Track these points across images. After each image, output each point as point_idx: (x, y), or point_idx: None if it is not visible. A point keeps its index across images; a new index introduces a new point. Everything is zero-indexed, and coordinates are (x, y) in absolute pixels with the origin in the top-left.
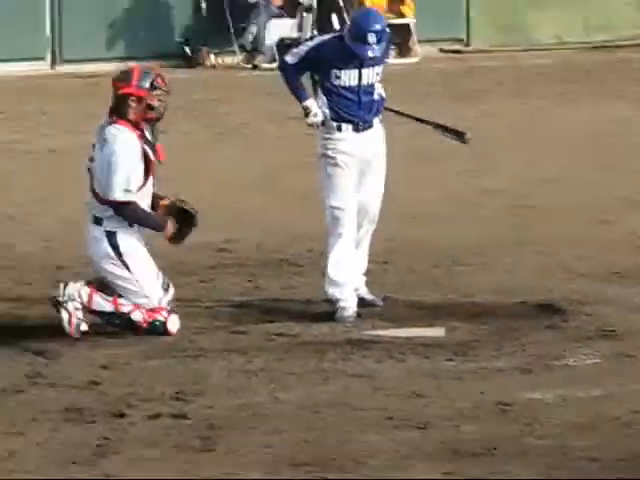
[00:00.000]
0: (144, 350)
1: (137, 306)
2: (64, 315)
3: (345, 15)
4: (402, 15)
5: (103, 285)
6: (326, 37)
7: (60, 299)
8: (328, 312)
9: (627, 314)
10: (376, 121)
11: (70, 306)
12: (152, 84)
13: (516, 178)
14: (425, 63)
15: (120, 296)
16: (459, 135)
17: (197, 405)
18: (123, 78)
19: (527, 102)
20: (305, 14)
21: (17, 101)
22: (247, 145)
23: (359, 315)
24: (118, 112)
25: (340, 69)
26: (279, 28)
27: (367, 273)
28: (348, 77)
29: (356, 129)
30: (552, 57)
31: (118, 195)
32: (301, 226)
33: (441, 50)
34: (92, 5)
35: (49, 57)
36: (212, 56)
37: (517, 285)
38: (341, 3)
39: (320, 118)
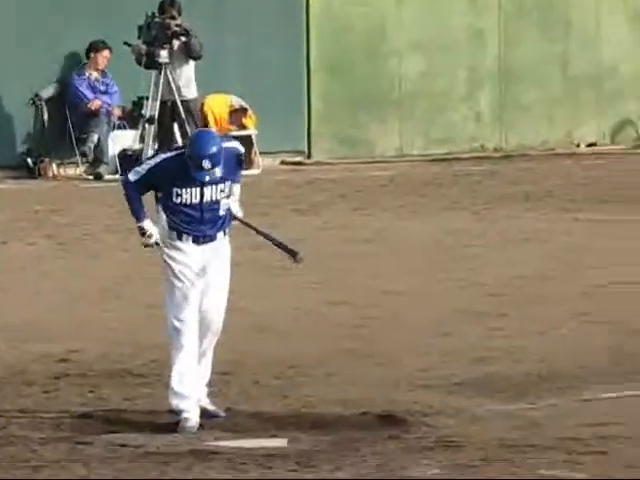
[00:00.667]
0: None
1: None
2: None
3: (187, 127)
4: (244, 127)
5: None
6: (168, 154)
7: None
8: (171, 423)
9: (467, 425)
10: (220, 235)
11: None
12: None
13: (359, 290)
14: (267, 175)
15: None
16: (292, 253)
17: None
18: None
19: (369, 214)
20: (147, 125)
21: None
22: (89, 256)
23: (202, 426)
24: None
25: (181, 187)
26: (121, 139)
27: (210, 384)
28: (190, 195)
29: (196, 241)
30: (393, 169)
31: None
32: (145, 337)
33: (282, 162)
34: None
35: None
36: (54, 167)
37: (359, 396)
38: (183, 115)
39: (154, 240)
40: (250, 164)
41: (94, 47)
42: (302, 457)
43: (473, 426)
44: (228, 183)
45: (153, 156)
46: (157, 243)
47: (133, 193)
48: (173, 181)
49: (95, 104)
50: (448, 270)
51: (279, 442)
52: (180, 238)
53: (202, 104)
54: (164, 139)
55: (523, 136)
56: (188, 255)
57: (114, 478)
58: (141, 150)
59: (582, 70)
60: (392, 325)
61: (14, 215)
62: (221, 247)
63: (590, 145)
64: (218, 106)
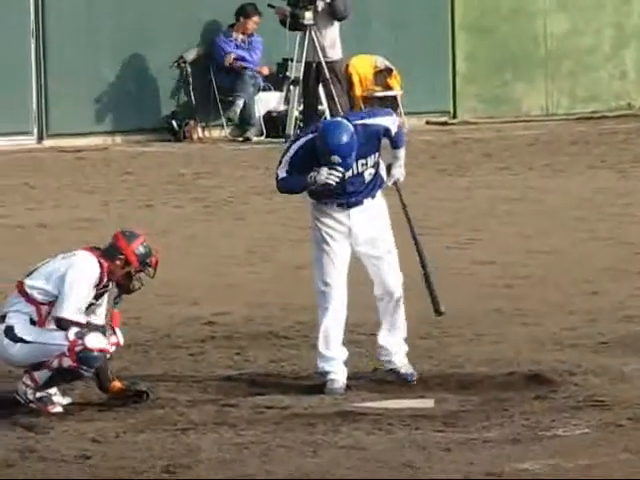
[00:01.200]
0: (134, 423)
1: (59, 356)
2: (38, 407)
3: (332, 88)
4: (389, 87)
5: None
6: (301, 141)
7: (24, 402)
8: (318, 384)
9: (615, 384)
10: (368, 200)
11: (32, 398)
12: (145, 259)
13: (507, 249)
14: (412, 135)
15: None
16: (435, 305)
17: (188, 478)
18: (128, 236)
19: (515, 174)
20: (292, 87)
21: (3, 176)
22: (236, 218)
23: (349, 387)
24: (104, 255)
25: (321, 166)
26: (266, 101)
27: (359, 344)
28: None
29: (341, 206)
30: (539, 128)
31: (68, 314)
32: (290, 299)
33: (428, 122)
34: (78, 80)
35: (35, 131)
36: (199, 129)
37: (506, 356)
38: (328, 76)
39: (335, 172)
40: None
41: (244, 12)
42: (449, 417)
43: (621, 385)
44: (373, 156)
45: (288, 147)
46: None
47: (288, 184)
48: (312, 164)
49: (229, 58)
50: (595, 229)
51: (426, 403)
52: (325, 204)
53: (347, 65)
54: (309, 101)
55: None
56: (333, 218)
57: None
58: (286, 112)
59: None
60: (539, 284)
61: (160, 178)
62: (371, 209)
63: None
64: (363, 67)
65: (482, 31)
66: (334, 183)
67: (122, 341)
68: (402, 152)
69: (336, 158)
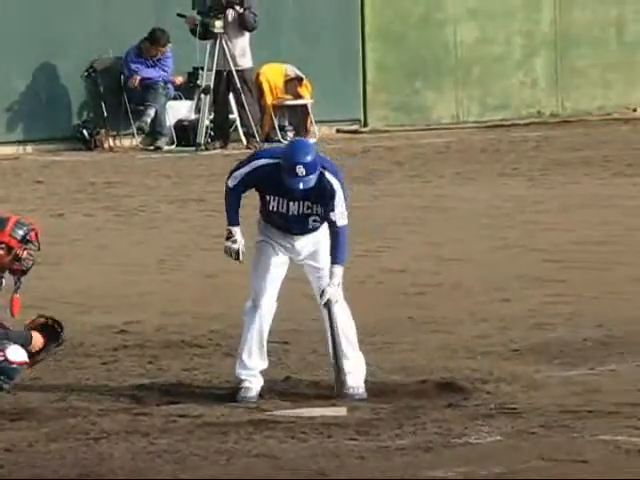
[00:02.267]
0: (47, 432)
1: None
2: None
3: (243, 97)
4: (299, 96)
5: None
6: (263, 161)
7: None
8: (230, 393)
9: (527, 391)
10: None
11: None
12: (24, 237)
13: (417, 257)
14: (323, 143)
15: None
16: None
17: None
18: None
19: (426, 182)
20: (203, 95)
21: None
22: (147, 227)
23: (261, 395)
24: None
25: (270, 194)
26: (177, 110)
27: (269, 353)
28: (277, 203)
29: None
30: (449, 136)
31: None
32: (203, 307)
33: (338, 130)
34: None
35: None
36: (110, 139)
37: (418, 364)
38: (238, 85)
39: (237, 247)
40: (306, 133)
41: (153, 38)
42: (362, 425)
43: (533, 392)
44: (317, 207)
45: (250, 159)
46: (238, 256)
47: (231, 198)
48: (265, 187)
49: (134, 81)
50: (506, 236)
51: (339, 411)
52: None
53: (257, 74)
54: (220, 109)
55: (579, 101)
56: (277, 233)
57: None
58: (197, 120)
59: (638, 34)
60: (451, 292)
61: (71, 187)
62: (314, 234)
63: None
64: (273, 75)
65: (392, 39)
66: (231, 251)
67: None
68: (340, 270)
69: (301, 169)
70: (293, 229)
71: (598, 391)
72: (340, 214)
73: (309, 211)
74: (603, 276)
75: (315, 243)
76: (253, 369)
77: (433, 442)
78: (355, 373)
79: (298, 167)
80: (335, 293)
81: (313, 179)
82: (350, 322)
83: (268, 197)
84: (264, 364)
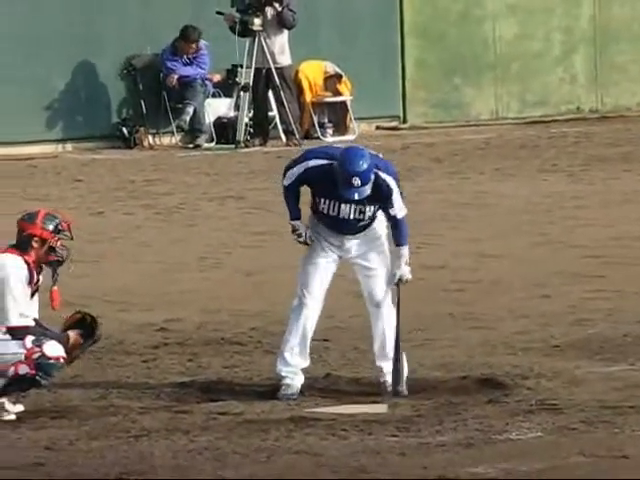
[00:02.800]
0: (88, 431)
1: (15, 363)
2: None
3: (282, 93)
4: (339, 93)
5: None
6: (315, 162)
7: None
8: (271, 390)
9: (568, 387)
10: (367, 231)
11: None
12: (56, 227)
13: (458, 254)
14: (362, 140)
15: None
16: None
17: None
18: (28, 219)
19: (465, 178)
20: (242, 93)
21: None
22: (187, 225)
23: (302, 392)
24: (19, 249)
25: (321, 197)
26: (216, 107)
27: (310, 351)
28: (327, 206)
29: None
30: (489, 133)
31: (14, 321)
32: (243, 305)
33: (378, 127)
34: (28, 87)
35: None
36: (150, 136)
37: (459, 360)
38: (277, 82)
39: (303, 238)
40: (345, 130)
41: (185, 36)
42: (402, 422)
43: (573, 388)
44: (371, 208)
45: (301, 159)
46: (307, 242)
47: (288, 194)
48: (316, 188)
49: (172, 80)
50: (546, 232)
51: (379, 407)
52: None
53: (297, 71)
54: (259, 107)
55: (619, 97)
56: (327, 235)
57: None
58: (236, 118)
59: None
60: (491, 288)
61: (111, 185)
62: (366, 233)
63: None
64: (312, 73)
65: (431, 36)
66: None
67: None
68: (406, 250)
69: (357, 181)
70: (344, 229)
71: (639, 387)
72: (399, 209)
73: (361, 215)
74: None
75: (367, 242)
76: (295, 367)
77: (474, 438)
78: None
79: (354, 179)
80: (406, 272)
81: (368, 189)
82: (394, 320)
83: (319, 198)
84: (306, 362)
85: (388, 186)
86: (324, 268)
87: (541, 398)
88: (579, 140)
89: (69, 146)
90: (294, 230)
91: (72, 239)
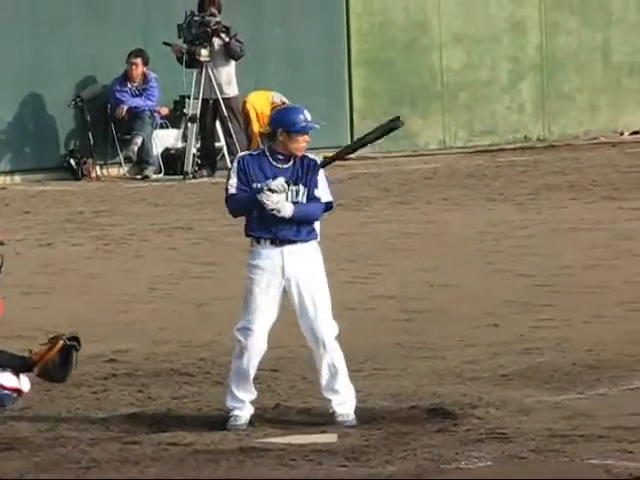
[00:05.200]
0: (37, 462)
1: None
2: None
3: (229, 125)
4: None
5: None
6: (244, 153)
7: None
8: (220, 421)
9: (517, 416)
10: (305, 243)
11: None
12: None
13: (406, 283)
14: None
15: None
16: (393, 125)
17: None
18: None
19: (413, 208)
20: (189, 124)
21: None
22: (136, 256)
23: (251, 423)
24: None
25: (257, 182)
26: (164, 138)
27: (260, 380)
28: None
29: (274, 243)
30: (436, 162)
31: None
32: (192, 335)
33: (325, 158)
34: None
35: None
36: (97, 168)
37: (408, 390)
38: (225, 113)
39: (283, 186)
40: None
41: (128, 58)
42: (352, 452)
43: (522, 417)
44: (301, 188)
45: (232, 163)
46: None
47: (235, 201)
48: (251, 176)
49: (121, 111)
50: (494, 261)
51: (329, 437)
52: (258, 242)
53: (244, 101)
54: (207, 137)
55: (566, 125)
56: (266, 258)
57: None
58: (184, 149)
59: (624, 58)
60: (440, 318)
61: (59, 217)
62: (305, 252)
63: (634, 133)
64: (260, 103)
65: (378, 66)
66: (275, 197)
67: (26, 389)
68: (289, 209)
69: (307, 114)
70: (281, 227)
71: (588, 415)
72: (324, 192)
73: (296, 198)
74: (592, 300)
75: (306, 265)
76: (242, 400)
77: (423, 468)
78: (347, 403)
79: (305, 112)
80: (269, 200)
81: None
82: (340, 356)
83: (256, 185)
84: (253, 395)
85: (315, 162)
86: (267, 300)
87: (490, 427)
88: (527, 169)
89: (17, 178)
90: (269, 196)
91: (3, 244)
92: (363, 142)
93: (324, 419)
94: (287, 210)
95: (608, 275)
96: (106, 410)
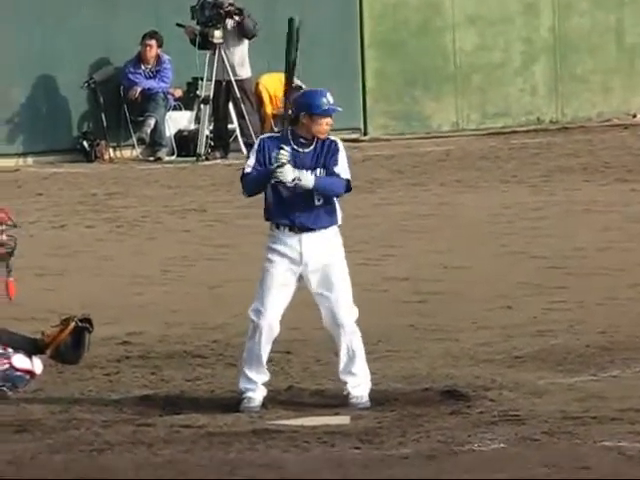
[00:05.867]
0: (50, 444)
1: None
2: None
3: (242, 106)
4: None
5: None
6: (266, 135)
7: None
8: (233, 403)
9: (530, 398)
10: (321, 230)
11: None
12: None
13: (420, 265)
14: None
15: None
16: (290, 24)
17: None
18: None
19: (427, 190)
20: (202, 106)
21: None
22: (149, 238)
23: (264, 405)
24: None
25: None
26: (177, 120)
27: (274, 362)
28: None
29: (293, 230)
30: (449, 144)
31: None
32: (205, 318)
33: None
34: None
35: None
36: (110, 150)
37: (422, 372)
38: (238, 95)
39: (286, 156)
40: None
41: (142, 40)
42: (365, 434)
43: (535, 399)
44: (320, 170)
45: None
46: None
47: (250, 179)
48: (270, 158)
49: (134, 93)
50: (507, 243)
51: (342, 419)
52: (277, 227)
53: (257, 83)
54: (220, 119)
55: (579, 108)
56: (285, 244)
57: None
58: (197, 131)
59: (637, 39)
60: (453, 300)
61: (72, 199)
62: (324, 239)
63: None
64: (273, 85)
65: (391, 47)
66: (285, 160)
67: (39, 371)
68: (310, 179)
69: (330, 97)
70: (299, 214)
71: (601, 397)
72: (344, 169)
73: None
74: (605, 282)
75: (325, 253)
76: (255, 382)
77: (437, 450)
78: (362, 386)
79: (328, 95)
80: (285, 174)
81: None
82: (359, 339)
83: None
84: (266, 377)
85: (336, 144)
86: (281, 283)
87: (503, 409)
88: (540, 151)
89: (30, 160)
90: (277, 168)
91: (16, 227)
92: (288, 60)
93: (337, 401)
94: (309, 180)
95: (621, 257)
96: (119, 392)
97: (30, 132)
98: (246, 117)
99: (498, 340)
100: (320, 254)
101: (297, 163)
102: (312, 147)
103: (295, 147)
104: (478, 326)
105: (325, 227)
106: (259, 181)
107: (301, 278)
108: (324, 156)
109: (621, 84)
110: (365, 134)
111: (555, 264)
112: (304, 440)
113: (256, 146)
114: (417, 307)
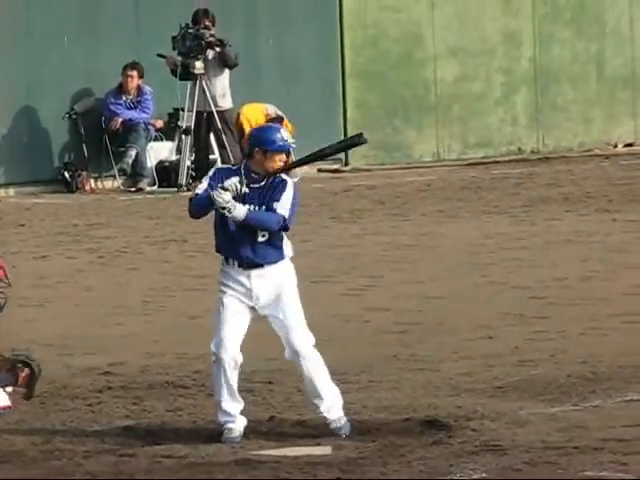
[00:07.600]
0: (32, 475)
1: None
2: None
3: (223, 137)
4: None
5: None
6: (222, 166)
7: None
8: (215, 433)
9: (512, 428)
10: (273, 266)
11: None
12: None
13: (401, 295)
14: (304, 183)
15: None
16: (357, 140)
17: None
18: None
19: (408, 220)
20: (184, 136)
21: None
22: (130, 268)
23: (246, 435)
24: None
25: None
26: (158, 151)
27: (254, 393)
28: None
29: (241, 266)
30: (430, 174)
31: None
32: (186, 348)
33: (320, 170)
34: None
35: None
36: (92, 180)
37: (403, 402)
38: (219, 125)
39: (235, 186)
40: (288, 172)
41: (123, 70)
42: (346, 464)
43: (517, 429)
44: (263, 208)
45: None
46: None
47: (197, 201)
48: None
49: (115, 123)
50: (489, 274)
51: (323, 450)
52: (227, 261)
53: (238, 114)
54: (201, 150)
55: (560, 138)
56: (235, 280)
57: None
58: (178, 161)
59: (617, 70)
60: (434, 330)
61: (53, 229)
62: (273, 274)
63: (627, 145)
64: (254, 115)
65: (372, 78)
66: (228, 186)
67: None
68: (242, 211)
69: (285, 132)
70: (242, 245)
71: (583, 427)
72: (283, 206)
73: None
74: (586, 312)
75: (275, 287)
76: (233, 413)
77: None
78: (335, 407)
79: (282, 130)
80: (221, 197)
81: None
82: (319, 363)
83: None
84: (241, 405)
85: (285, 181)
86: (234, 317)
87: (485, 439)
88: (521, 181)
89: (11, 191)
90: (219, 196)
91: (10, 286)
92: (323, 154)
93: (319, 431)
94: (239, 211)
95: (603, 287)
96: (101, 423)
97: (11, 163)
98: (227, 148)
99: (479, 370)
100: (270, 288)
101: (245, 197)
102: (262, 183)
103: (246, 181)
104: (459, 356)
105: (273, 262)
106: (203, 204)
107: (254, 309)
108: (271, 193)
109: (602, 114)
110: (346, 164)
111: (536, 294)
112: (286, 470)
113: (211, 173)
114: (398, 337)
